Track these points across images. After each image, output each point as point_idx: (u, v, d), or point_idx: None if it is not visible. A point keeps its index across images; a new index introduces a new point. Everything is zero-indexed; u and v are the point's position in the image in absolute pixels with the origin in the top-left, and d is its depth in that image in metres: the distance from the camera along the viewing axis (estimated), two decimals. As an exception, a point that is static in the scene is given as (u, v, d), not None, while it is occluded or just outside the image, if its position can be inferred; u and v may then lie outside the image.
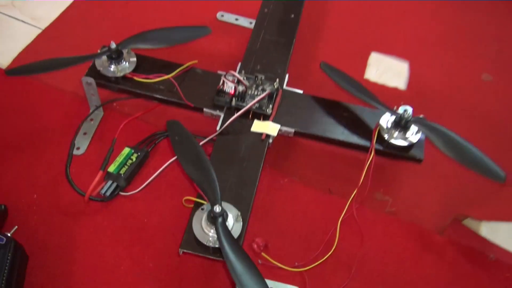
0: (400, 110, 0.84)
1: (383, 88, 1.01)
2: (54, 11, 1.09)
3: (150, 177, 0.84)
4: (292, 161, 0.89)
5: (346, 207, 0.80)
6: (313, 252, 0.78)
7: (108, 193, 0.81)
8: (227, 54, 1.03)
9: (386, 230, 0.82)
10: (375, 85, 1.02)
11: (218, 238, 0.65)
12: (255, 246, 0.78)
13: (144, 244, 0.78)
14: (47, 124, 0.90)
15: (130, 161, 0.84)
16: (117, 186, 0.82)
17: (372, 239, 0.81)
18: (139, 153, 0.85)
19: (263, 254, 0.77)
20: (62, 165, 0.85)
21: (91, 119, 0.91)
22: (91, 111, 0.90)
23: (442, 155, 0.82)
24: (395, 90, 1.02)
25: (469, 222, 0.82)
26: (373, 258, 0.79)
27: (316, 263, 0.77)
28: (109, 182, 0.81)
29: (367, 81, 1.02)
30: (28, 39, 1.04)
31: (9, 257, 0.67)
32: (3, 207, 0.77)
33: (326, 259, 0.77)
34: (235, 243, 0.65)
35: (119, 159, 0.84)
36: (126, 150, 0.85)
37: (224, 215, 0.67)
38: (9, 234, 0.70)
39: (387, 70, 1.04)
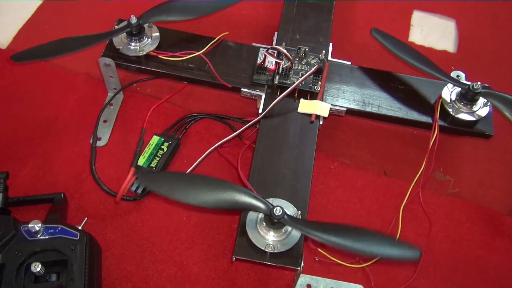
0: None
1: (430, 51, 0.91)
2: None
3: (184, 167, 0.74)
4: (340, 141, 0.80)
5: (409, 191, 0.72)
6: (374, 244, 0.70)
7: (139, 190, 0.72)
8: (256, 21, 0.91)
9: (450, 215, 0.74)
10: (421, 48, 0.91)
11: (300, 230, 0.59)
12: (309, 241, 0.70)
13: (186, 246, 0.70)
14: (61, 112, 0.80)
15: (161, 152, 0.74)
16: (149, 181, 0.72)
17: (436, 226, 0.73)
18: (170, 142, 0.75)
19: (319, 250, 0.69)
20: (83, 160, 0.75)
21: (111, 104, 0.80)
22: (110, 95, 0.80)
23: (506, 125, 0.74)
24: (444, 53, 0.91)
25: (544, 202, 0.74)
26: (440, 248, 0.72)
27: (379, 257, 0.69)
28: (140, 177, 0.72)
29: (413, 44, 0.91)
30: (27, 12, 0.91)
31: (86, 253, 0.59)
32: (62, 195, 0.68)
33: (389, 252, 0.69)
34: (317, 224, 0.58)
35: (149, 149, 0.74)
36: (155, 138, 0.75)
37: (285, 215, 0.58)
38: (80, 227, 0.62)
39: (432, 31, 0.94)
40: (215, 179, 0.59)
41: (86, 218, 0.66)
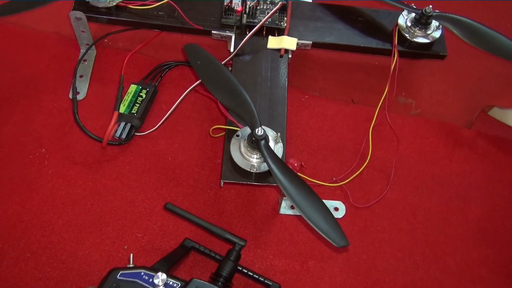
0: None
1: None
2: None
3: (163, 112, 0.78)
4: (309, 76, 0.85)
5: (376, 113, 0.78)
6: (349, 164, 0.76)
7: (123, 135, 0.75)
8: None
9: (415, 133, 0.81)
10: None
11: (266, 162, 0.61)
12: (290, 167, 0.75)
13: (174, 183, 0.74)
14: (36, 71, 0.81)
15: (140, 98, 0.77)
16: (131, 127, 0.75)
17: (403, 144, 0.79)
18: (148, 89, 0.78)
19: (299, 174, 0.74)
20: (65, 113, 0.77)
21: (84, 60, 0.82)
22: (83, 51, 0.82)
23: (457, 49, 0.80)
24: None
25: (496, 112, 0.81)
26: (408, 162, 0.78)
27: (354, 175, 0.75)
28: (122, 124, 0.75)
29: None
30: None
31: None
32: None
33: (363, 169, 0.75)
34: (283, 164, 0.62)
35: (128, 97, 0.77)
36: (133, 87, 0.78)
37: (266, 137, 0.63)
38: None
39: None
40: (235, 82, 0.65)
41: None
